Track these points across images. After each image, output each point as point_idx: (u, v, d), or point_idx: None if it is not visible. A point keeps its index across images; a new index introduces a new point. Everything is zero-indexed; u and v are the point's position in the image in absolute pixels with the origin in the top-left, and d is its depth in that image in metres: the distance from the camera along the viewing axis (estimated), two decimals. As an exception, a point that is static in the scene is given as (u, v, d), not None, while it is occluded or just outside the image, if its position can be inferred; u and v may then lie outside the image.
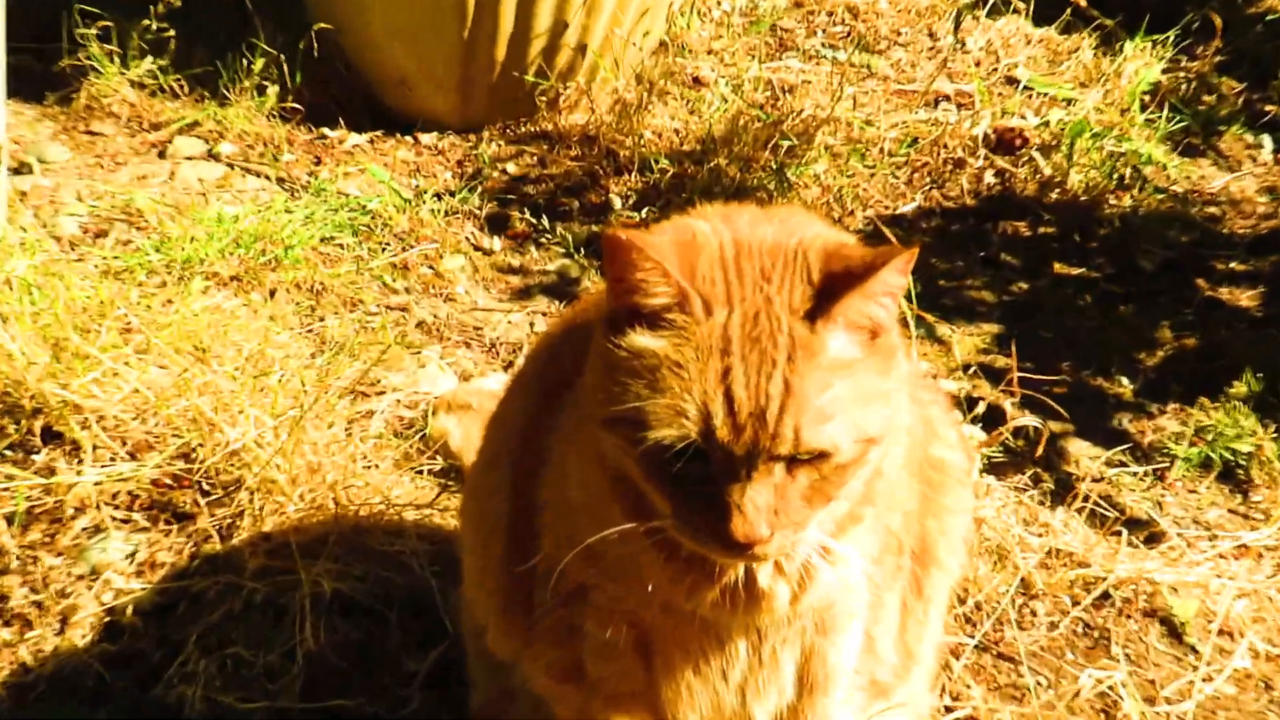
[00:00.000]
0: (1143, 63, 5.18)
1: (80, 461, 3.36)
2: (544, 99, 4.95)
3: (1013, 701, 3.00)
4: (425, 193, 4.67)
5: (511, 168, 4.89)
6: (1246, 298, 4.48)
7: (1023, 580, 3.25)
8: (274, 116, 4.99)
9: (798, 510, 2.12)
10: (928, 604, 2.67)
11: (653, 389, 2.09)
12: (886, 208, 4.73)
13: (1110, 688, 3.00)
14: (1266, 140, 5.15)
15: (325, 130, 5.00)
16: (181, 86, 5.06)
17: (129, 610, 3.11)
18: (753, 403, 2.08)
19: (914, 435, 2.51)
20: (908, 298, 3.57)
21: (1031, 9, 5.71)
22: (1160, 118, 5.04)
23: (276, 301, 4.05)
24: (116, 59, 5.04)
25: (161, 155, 4.84)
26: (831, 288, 2.12)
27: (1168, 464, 3.73)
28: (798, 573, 2.30)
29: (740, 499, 2.10)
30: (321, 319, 4.04)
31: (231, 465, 3.32)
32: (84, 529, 3.27)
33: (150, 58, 5.06)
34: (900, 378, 2.18)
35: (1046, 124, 4.98)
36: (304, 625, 3.02)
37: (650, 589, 2.34)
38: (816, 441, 2.08)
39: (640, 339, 2.15)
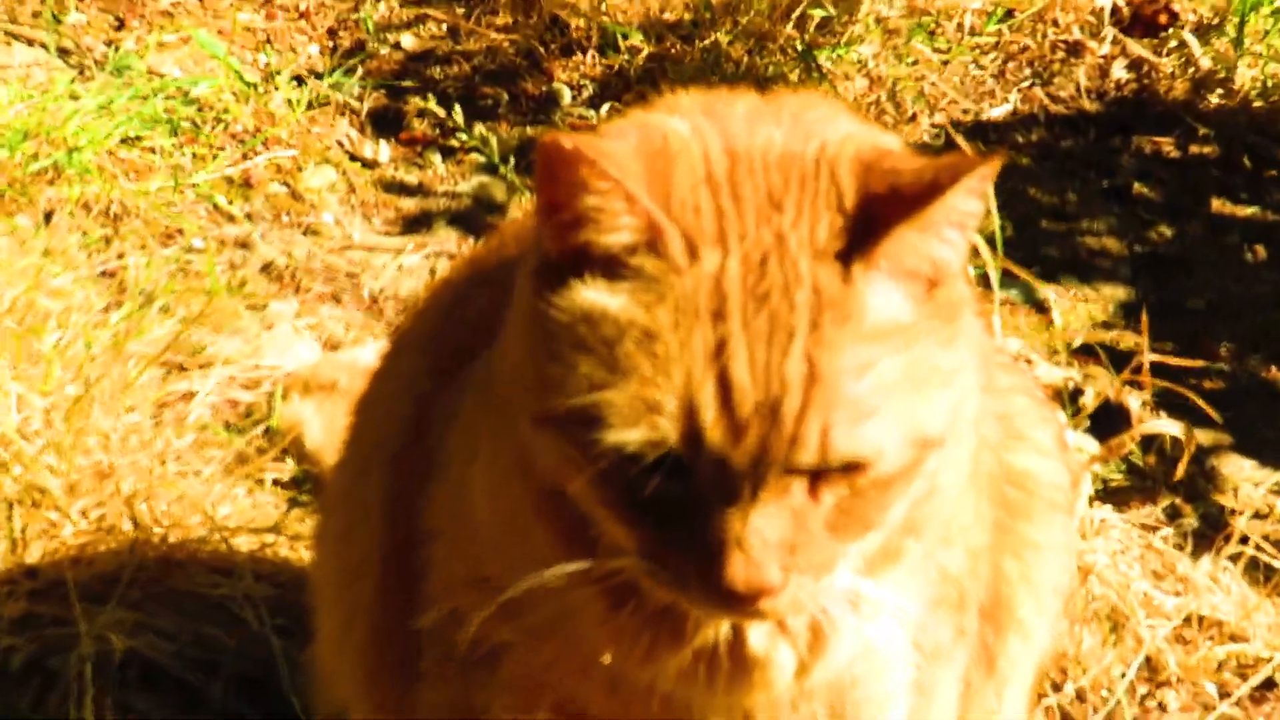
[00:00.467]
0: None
1: None
2: (463, -56, 4.99)
3: (1130, 835, 3.07)
4: (279, 74, 4.70)
5: (409, 40, 4.92)
6: None
7: (1148, 659, 3.29)
8: (57, -42, 5.01)
9: (823, 545, 2.07)
10: (1002, 685, 2.68)
11: (610, 370, 2.04)
12: (965, 112, 4.78)
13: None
14: None
15: (132, -20, 5.03)
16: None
17: None
18: (760, 391, 2.02)
19: (985, 436, 2.53)
20: (989, 242, 3.60)
21: None
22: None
23: (55, 229, 4.07)
24: None
25: (-115, 9, 4.87)
26: (873, 217, 2.07)
27: (1368, 497, 3.80)
28: (807, 631, 2.31)
29: (742, 531, 2.04)
30: (120, 256, 4.07)
31: (-19, 466, 3.36)
32: None
33: None
34: (970, 346, 2.20)
35: (1206, -6, 5.04)
36: (82, 700, 3.05)
37: (591, 655, 2.35)
38: (853, 447, 2.03)
39: (591, 295, 2.09)
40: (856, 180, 2.05)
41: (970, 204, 2.04)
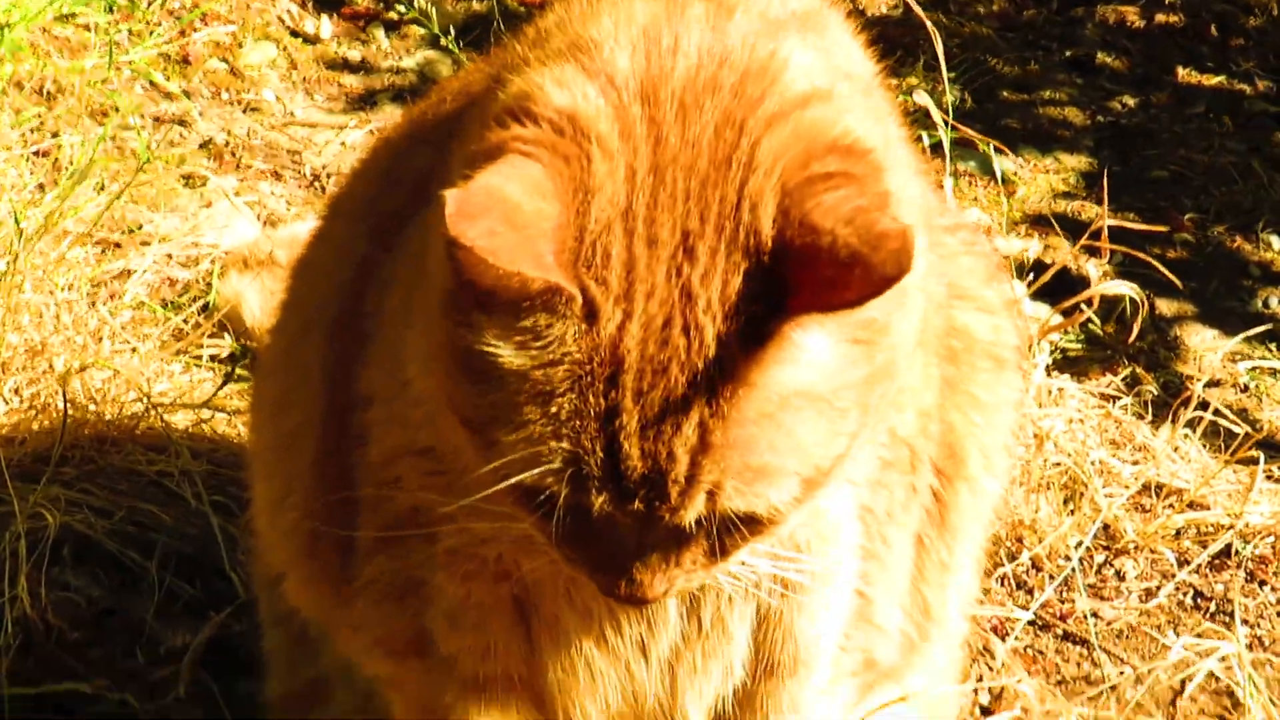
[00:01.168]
0: None
1: None
2: None
3: (1082, 701, 3.07)
4: (218, -55, 4.68)
5: (352, -87, 4.90)
6: None
7: (1106, 527, 3.30)
8: None
9: (713, 559, 2.11)
10: (955, 540, 2.68)
11: (507, 410, 2.04)
12: (923, -19, 4.76)
13: (1227, 670, 3.06)
14: None
15: None
16: None
17: None
18: (648, 463, 2.03)
19: (933, 295, 2.52)
20: (945, 111, 3.60)
21: None
22: None
23: (-14, 106, 4.06)
24: None
25: None
26: (788, 281, 2.00)
27: (1330, 364, 3.81)
28: None
29: (624, 563, 2.11)
30: (55, 135, 4.05)
31: (-93, 344, 3.36)
32: None
33: None
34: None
35: None
36: (17, 577, 3.05)
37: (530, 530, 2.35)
38: (744, 508, 2.04)
39: (491, 339, 2.05)
40: (776, 226, 1.98)
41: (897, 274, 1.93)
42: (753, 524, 2.06)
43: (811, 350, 1.99)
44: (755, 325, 1.98)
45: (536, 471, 1.98)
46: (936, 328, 2.53)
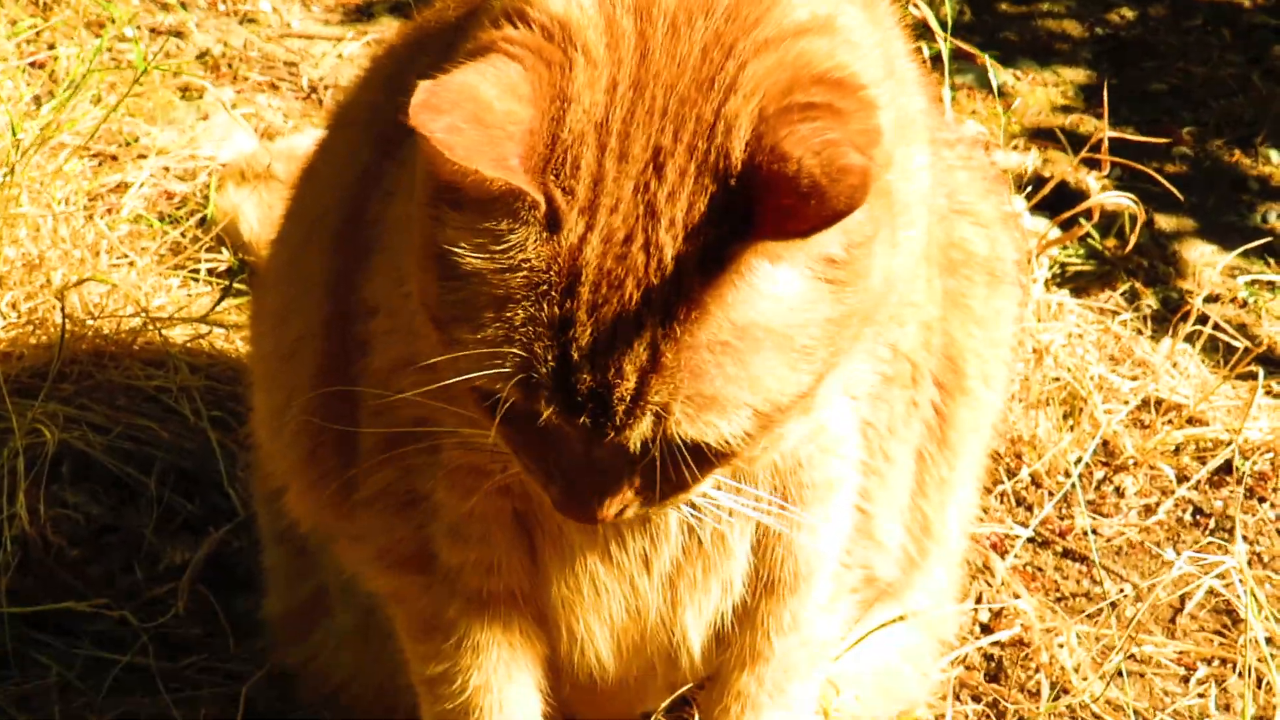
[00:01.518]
0: None
1: None
2: None
3: (1082, 619, 3.07)
4: None
5: None
6: None
7: (1105, 443, 3.30)
8: None
9: (668, 485, 2.09)
10: (955, 455, 2.67)
11: (469, 313, 2.04)
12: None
13: (1227, 586, 3.06)
14: None
15: None
16: None
17: None
18: (596, 378, 2.03)
19: (937, 207, 2.51)
20: (942, 25, 3.58)
21: None
22: None
23: (-20, 17, 4.03)
24: None
25: None
26: (755, 207, 1.99)
27: (1330, 278, 3.80)
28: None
29: (575, 478, 2.10)
30: (51, 47, 4.03)
31: (-97, 256, 3.35)
32: None
33: None
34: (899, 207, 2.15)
35: None
36: (15, 495, 3.05)
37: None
38: (692, 435, 2.03)
39: (458, 236, 2.07)
40: (747, 150, 1.97)
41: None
42: (703, 456, 2.05)
43: (773, 282, 1.98)
44: (715, 249, 1.97)
45: (489, 374, 1.98)
46: (938, 239, 2.52)
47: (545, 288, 2.00)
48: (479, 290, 2.01)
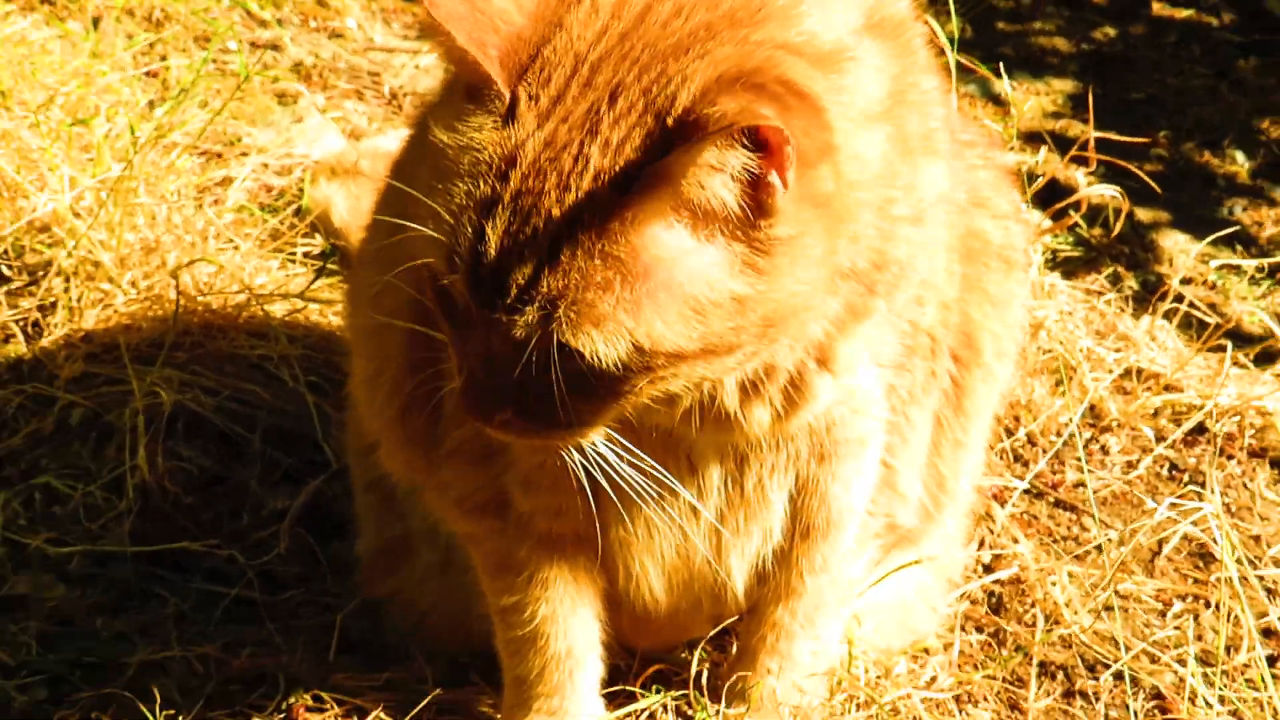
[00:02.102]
0: None
1: None
2: None
3: (1072, 560, 3.06)
4: (306, -108, 4.64)
5: None
6: None
7: (1092, 407, 3.29)
8: None
9: (545, 407, 2.08)
10: (969, 420, 2.67)
11: (430, 192, 2.07)
12: (929, -75, 4.71)
13: (1203, 531, 3.05)
14: None
15: None
16: None
17: (-98, 430, 3.14)
18: (502, 257, 2.02)
19: (958, 201, 2.50)
20: (950, 41, 3.57)
21: None
22: None
23: (102, 33, 4.03)
24: None
25: None
26: (671, 144, 1.99)
27: (1290, 263, 3.79)
28: (780, 394, 2.30)
29: (477, 374, 2.10)
30: (163, 58, 4.03)
31: (40, 242, 3.34)
32: None
33: None
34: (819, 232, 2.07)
35: None
36: (136, 449, 3.05)
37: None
38: (570, 341, 2.01)
39: (440, 117, 2.11)
40: (691, 100, 1.98)
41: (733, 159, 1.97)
42: (581, 385, 2.05)
43: (682, 232, 2.00)
44: (634, 173, 1.98)
45: (431, 243, 2.03)
46: (958, 230, 2.51)
47: (484, 170, 2.02)
48: (439, 166, 2.04)
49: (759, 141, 1.96)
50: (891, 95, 2.20)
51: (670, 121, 1.97)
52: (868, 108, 2.16)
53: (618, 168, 2.00)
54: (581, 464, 2.19)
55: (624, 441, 2.20)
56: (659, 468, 2.26)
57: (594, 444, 2.17)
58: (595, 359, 2.01)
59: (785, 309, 2.08)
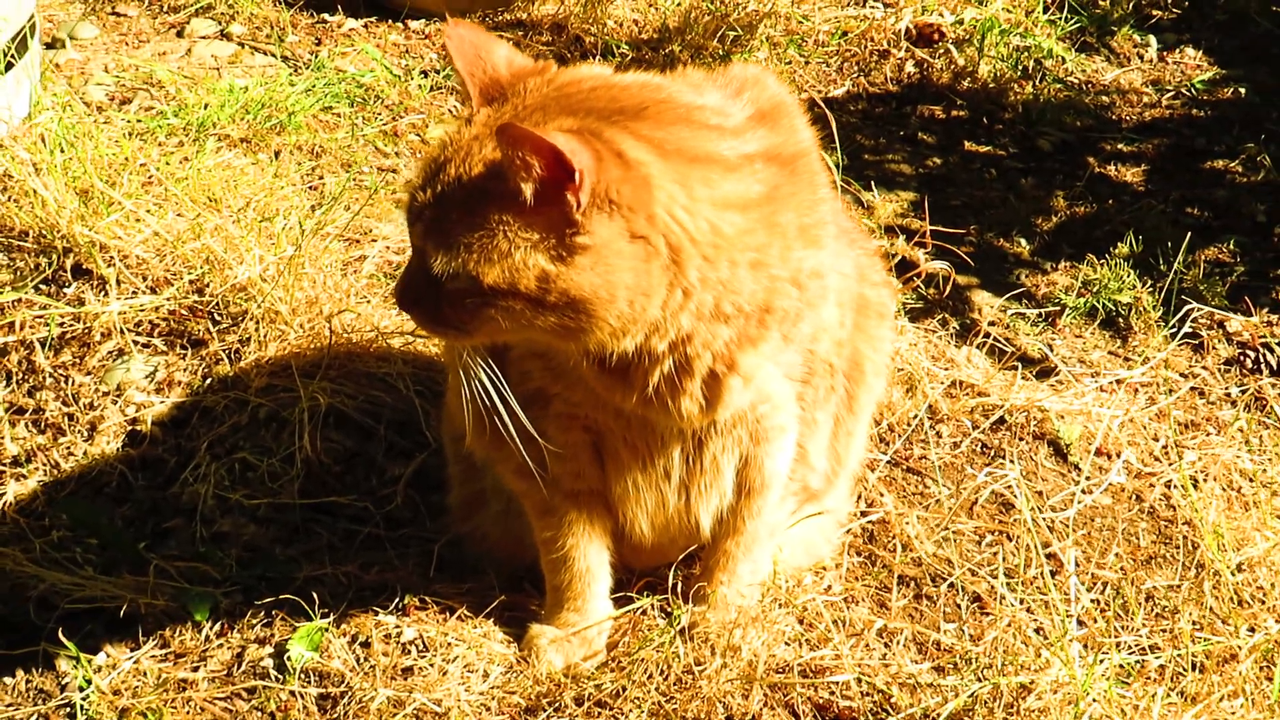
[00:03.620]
0: (1046, -29, 5.07)
1: (106, 294, 3.30)
2: (519, -9, 4.83)
3: (920, 508, 2.98)
4: (413, 71, 4.56)
5: (490, 51, 4.75)
6: (1131, 174, 4.44)
7: (930, 407, 3.22)
8: (280, 2, 4.85)
9: (446, 309, 2.08)
10: (856, 418, 2.63)
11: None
12: (820, 91, 4.64)
13: (1005, 490, 2.98)
14: (1153, 40, 5.08)
15: (325, 15, 4.87)
16: (197, -26, 4.92)
17: (149, 422, 3.06)
18: (417, 193, 2.07)
19: (847, 276, 2.46)
20: (836, 167, 3.52)
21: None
22: (1060, 18, 4.95)
23: (280, 161, 3.95)
24: (139, -52, 4.89)
25: (179, 34, 4.70)
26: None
27: (1058, 311, 3.71)
28: (700, 391, 2.23)
29: (406, 270, 2.15)
30: (320, 177, 3.95)
31: (240, 298, 3.26)
32: (109, 352, 3.21)
33: (170, -52, 4.91)
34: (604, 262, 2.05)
35: (961, 22, 4.88)
36: (302, 435, 2.98)
37: (598, 393, 2.29)
38: (428, 246, 2.05)
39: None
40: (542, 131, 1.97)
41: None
42: (446, 291, 2.06)
43: (506, 208, 2.00)
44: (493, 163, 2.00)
45: (404, 193, 2.24)
46: (851, 294, 2.46)
47: (434, 152, 2.07)
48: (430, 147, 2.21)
49: (568, 169, 1.95)
50: (767, 197, 2.16)
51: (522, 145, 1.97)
52: (732, 199, 2.10)
53: (489, 157, 2.01)
54: (472, 388, 2.22)
55: (499, 375, 2.22)
56: (514, 402, 2.24)
57: (476, 372, 2.19)
58: (442, 273, 2.03)
59: (587, 294, 2.04)
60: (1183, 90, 4.86)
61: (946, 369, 3.36)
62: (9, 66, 3.63)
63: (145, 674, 2.55)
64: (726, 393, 2.24)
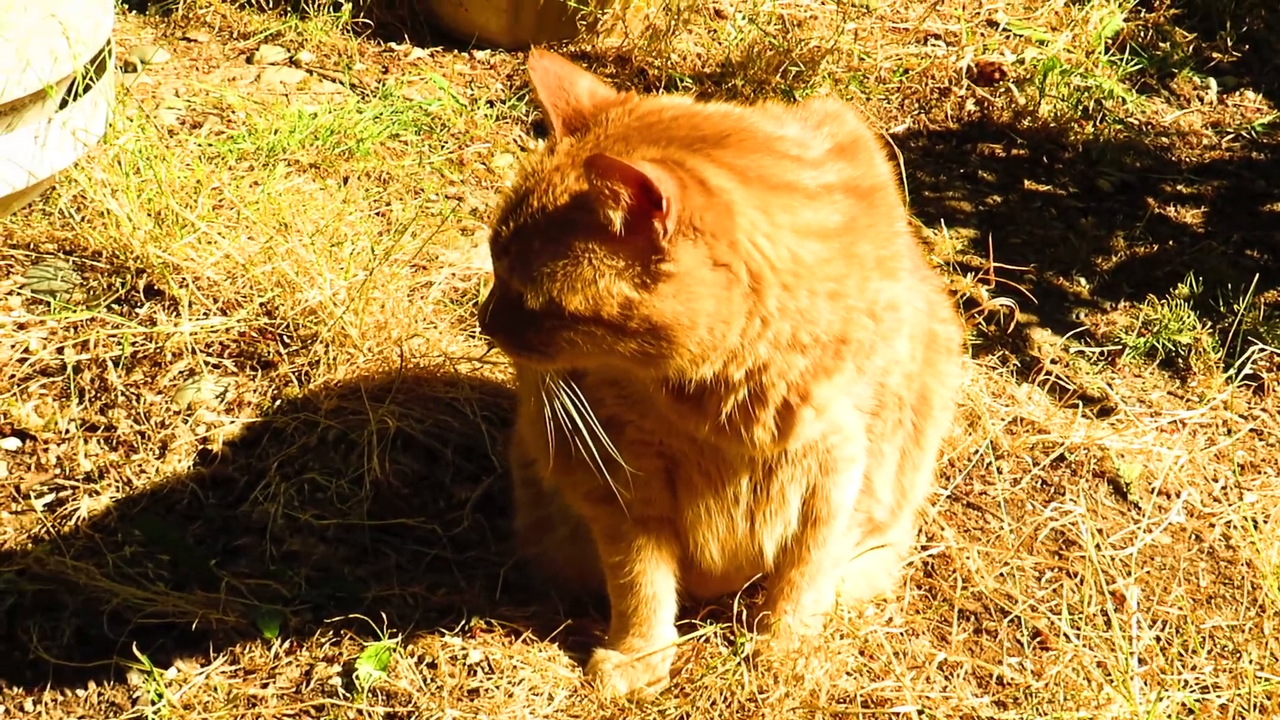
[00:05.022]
0: (1107, 11, 5.09)
1: (178, 314, 3.36)
2: (584, 23, 4.89)
3: (980, 542, 3.00)
4: (479, 100, 4.63)
5: (554, 83, 4.82)
6: (1190, 216, 4.45)
7: (991, 443, 3.24)
8: (348, 31, 4.94)
9: (529, 334, 2.10)
10: (922, 452, 2.64)
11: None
12: (881, 128, 4.68)
13: (1067, 527, 3.00)
14: (1213, 83, 5.10)
15: (392, 44, 4.95)
16: (267, 1, 5.01)
17: (219, 441, 3.11)
18: (500, 225, 2.09)
19: (919, 310, 2.48)
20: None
21: (1011, -38, 5.61)
22: (1121, 60, 4.98)
23: (349, 187, 4.02)
24: (211, -25, 4.99)
25: (249, 61, 4.79)
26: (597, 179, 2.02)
27: (1118, 351, 3.73)
28: (772, 421, 2.26)
29: (490, 296, 2.17)
30: (388, 204, 4.01)
31: (309, 321, 3.32)
32: (180, 372, 3.27)
33: (240, -24, 5.01)
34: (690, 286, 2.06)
35: (1021, 61, 4.92)
36: (370, 457, 3.02)
37: (671, 421, 2.31)
38: (515, 282, 2.07)
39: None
40: (626, 161, 1.98)
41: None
42: (530, 316, 2.08)
43: (591, 236, 2.00)
44: (576, 193, 2.01)
45: (489, 230, 2.14)
46: (922, 329, 2.48)
47: (525, 175, 2.09)
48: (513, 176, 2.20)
49: (654, 197, 1.97)
50: (845, 227, 2.18)
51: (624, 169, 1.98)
52: (812, 227, 2.13)
53: (573, 188, 2.01)
54: (555, 410, 2.22)
55: (582, 400, 2.23)
56: (596, 424, 2.25)
57: (559, 395, 2.21)
58: (525, 300, 2.06)
59: (669, 321, 2.05)
60: (1243, 133, 4.87)
61: (1008, 405, 3.38)
62: (87, 88, 3.71)
63: (215, 689, 2.60)
64: (799, 423, 2.25)
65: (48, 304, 3.44)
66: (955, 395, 2.80)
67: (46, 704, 2.61)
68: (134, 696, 2.62)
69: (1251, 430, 3.49)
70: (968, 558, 2.94)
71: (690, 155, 2.06)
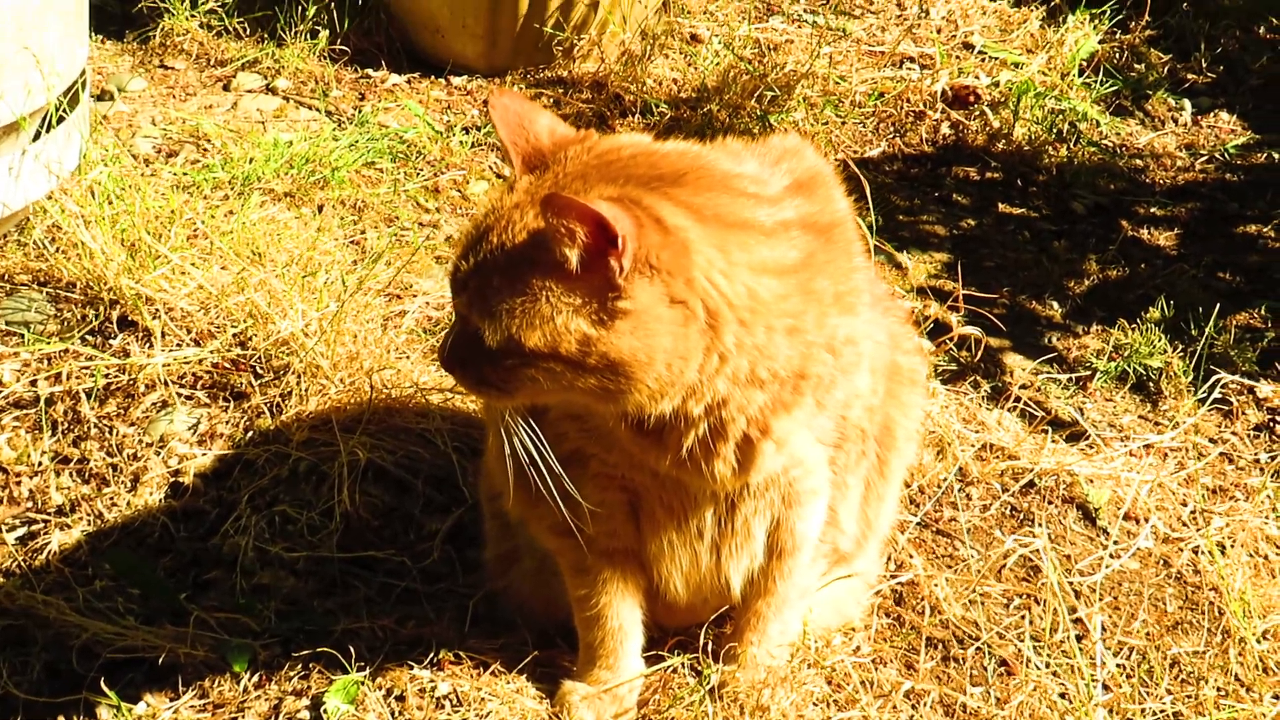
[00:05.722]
0: (1082, 34, 5.13)
1: (151, 346, 3.37)
2: (560, 49, 4.92)
3: (949, 570, 3.02)
4: (455, 127, 4.65)
5: (530, 108, 4.84)
6: (1164, 238, 4.48)
7: (960, 469, 3.26)
8: (324, 57, 4.96)
9: (487, 370, 2.12)
10: (887, 483, 2.66)
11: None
12: (855, 152, 4.71)
13: (1033, 554, 3.02)
14: (1187, 104, 5.14)
15: (369, 71, 4.97)
16: (244, 28, 5.04)
17: (191, 473, 3.12)
18: (460, 261, 2.11)
19: (881, 343, 2.49)
20: (870, 229, 3.57)
21: (987, -16, 5.65)
22: (1095, 82, 5.02)
23: (324, 216, 4.04)
24: (188, 1, 5.01)
25: (225, 88, 4.81)
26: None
27: (1089, 375, 3.75)
28: (733, 453, 2.27)
29: (449, 333, 2.21)
30: (362, 232, 4.03)
31: (281, 352, 3.33)
32: (153, 404, 3.28)
33: (216, 1, 5.03)
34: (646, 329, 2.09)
35: (996, 84, 4.95)
36: (341, 489, 3.03)
37: (633, 455, 2.33)
38: (473, 314, 2.09)
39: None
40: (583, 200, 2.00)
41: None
42: (488, 352, 2.10)
43: (549, 274, 2.03)
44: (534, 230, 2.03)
45: (450, 266, 2.17)
46: (885, 361, 2.50)
47: (485, 212, 2.11)
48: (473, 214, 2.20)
49: (610, 235, 1.99)
50: (803, 264, 2.20)
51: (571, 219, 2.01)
52: (769, 264, 2.16)
53: (531, 225, 2.04)
54: (513, 446, 2.25)
55: (541, 437, 2.25)
56: (554, 461, 2.27)
57: (517, 431, 2.23)
58: (484, 336, 2.08)
59: (626, 357, 2.07)
60: (1216, 155, 4.91)
61: (977, 432, 3.41)
62: (60, 120, 3.73)
63: (184, 723, 2.62)
64: (759, 457, 2.27)
65: (22, 336, 3.45)
66: (921, 426, 2.82)
67: (16, 739, 2.62)
68: (103, 731, 2.63)
69: (1221, 454, 3.51)
70: (936, 585, 2.96)
71: (647, 193, 2.08)
